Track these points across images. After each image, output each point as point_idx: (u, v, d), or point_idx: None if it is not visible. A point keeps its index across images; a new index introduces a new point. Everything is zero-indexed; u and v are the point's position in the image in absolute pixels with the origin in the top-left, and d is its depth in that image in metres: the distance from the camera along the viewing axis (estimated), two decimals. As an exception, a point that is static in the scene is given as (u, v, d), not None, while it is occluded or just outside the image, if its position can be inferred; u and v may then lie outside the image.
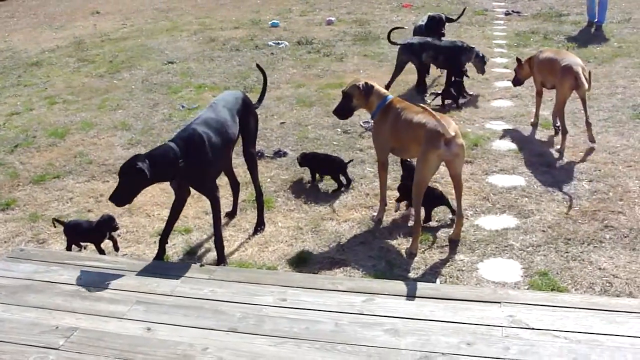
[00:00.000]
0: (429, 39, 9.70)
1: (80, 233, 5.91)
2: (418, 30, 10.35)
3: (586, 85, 7.17)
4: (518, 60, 8.70)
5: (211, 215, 5.52)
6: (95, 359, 3.63)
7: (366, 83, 6.05)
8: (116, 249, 5.91)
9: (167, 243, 5.68)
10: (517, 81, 8.83)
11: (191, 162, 5.17)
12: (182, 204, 5.65)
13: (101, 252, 5.84)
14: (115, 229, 5.89)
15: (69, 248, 5.92)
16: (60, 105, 10.75)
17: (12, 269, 5.10)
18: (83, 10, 21.39)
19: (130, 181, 5.03)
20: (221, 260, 5.49)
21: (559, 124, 7.68)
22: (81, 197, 7.11)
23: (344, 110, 6.20)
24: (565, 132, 7.49)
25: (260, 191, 6.17)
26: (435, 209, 6.11)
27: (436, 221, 6.06)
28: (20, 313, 4.29)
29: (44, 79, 12.67)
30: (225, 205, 6.59)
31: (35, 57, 14.64)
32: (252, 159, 6.09)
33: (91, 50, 14.88)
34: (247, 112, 5.96)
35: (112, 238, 5.90)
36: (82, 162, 8.14)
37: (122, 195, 5.11)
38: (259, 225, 6.14)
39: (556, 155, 7.44)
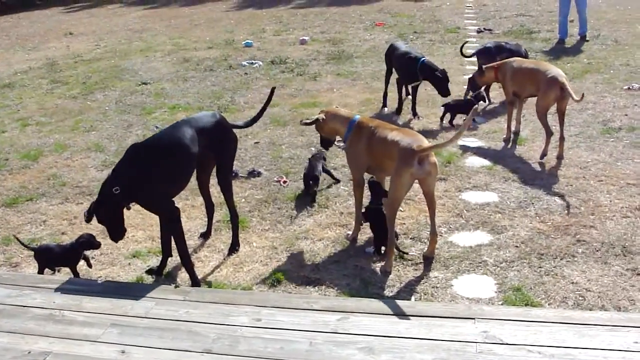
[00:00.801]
0: (502, 43, 10.54)
1: (54, 257, 5.84)
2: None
3: (575, 97, 7.28)
4: (479, 67, 8.86)
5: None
6: (68, 384, 3.62)
7: (322, 117, 6.19)
8: (89, 265, 5.90)
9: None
10: (474, 87, 9.04)
11: (131, 185, 5.21)
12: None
13: (76, 274, 5.80)
14: (97, 246, 5.84)
15: (40, 272, 5.87)
16: (33, 127, 10.69)
17: (-16, 294, 5.06)
18: (56, 31, 21.34)
19: (103, 220, 5.39)
20: (194, 281, 5.49)
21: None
22: (55, 220, 7.06)
23: (323, 142, 6.53)
24: (549, 134, 7.62)
25: (235, 212, 6.15)
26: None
27: (410, 238, 6.09)
28: (-8, 338, 4.26)
29: (16, 101, 12.60)
30: (200, 225, 6.60)
31: (8, 79, 14.56)
32: (224, 183, 6.01)
33: (64, 72, 14.83)
34: (219, 134, 5.82)
35: (85, 257, 5.87)
36: (55, 184, 8.10)
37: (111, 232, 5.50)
38: (234, 246, 6.12)
39: (536, 165, 7.58)
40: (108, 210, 5.31)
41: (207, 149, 5.71)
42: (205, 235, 6.40)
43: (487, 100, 9.85)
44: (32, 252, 5.97)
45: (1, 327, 4.40)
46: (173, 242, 5.62)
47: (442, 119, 9.23)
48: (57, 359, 3.88)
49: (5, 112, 11.80)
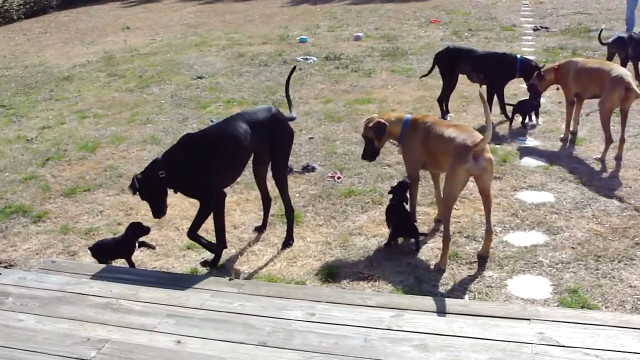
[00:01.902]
0: (633, 34, 10.56)
1: (109, 251, 5.94)
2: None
3: None
4: (539, 72, 8.62)
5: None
6: (126, 371, 3.67)
7: (378, 123, 6.11)
8: (152, 247, 6.12)
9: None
10: (536, 93, 8.82)
11: (177, 172, 5.44)
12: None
13: (132, 264, 5.89)
14: (147, 231, 5.95)
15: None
16: (91, 119, 10.88)
17: (44, 281, 5.15)
18: (114, 25, 21.66)
19: (146, 198, 5.66)
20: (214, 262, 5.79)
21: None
22: (111, 210, 7.17)
23: (370, 153, 6.34)
24: (609, 141, 7.49)
25: (290, 206, 6.16)
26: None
27: (465, 237, 6.04)
28: (52, 324, 4.33)
29: (75, 93, 12.84)
30: (255, 219, 6.64)
31: (67, 72, 14.85)
32: (279, 177, 6.01)
33: (121, 65, 15.06)
34: (274, 128, 5.87)
35: (143, 244, 6.01)
36: (112, 175, 8.23)
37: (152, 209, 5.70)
38: (288, 240, 6.15)
39: (594, 166, 7.45)
40: (153, 190, 5.57)
41: (262, 143, 5.79)
42: (260, 229, 6.44)
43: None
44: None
45: (61, 314, 4.47)
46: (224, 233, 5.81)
47: (511, 119, 9.08)
48: (116, 347, 3.92)
49: (64, 105, 12.03)
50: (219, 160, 5.50)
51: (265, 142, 5.81)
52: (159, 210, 5.73)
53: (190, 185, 5.57)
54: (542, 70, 8.58)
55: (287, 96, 6.54)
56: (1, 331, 4.21)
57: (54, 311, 4.54)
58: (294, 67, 6.93)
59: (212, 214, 5.70)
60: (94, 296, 4.79)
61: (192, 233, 5.74)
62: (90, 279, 5.32)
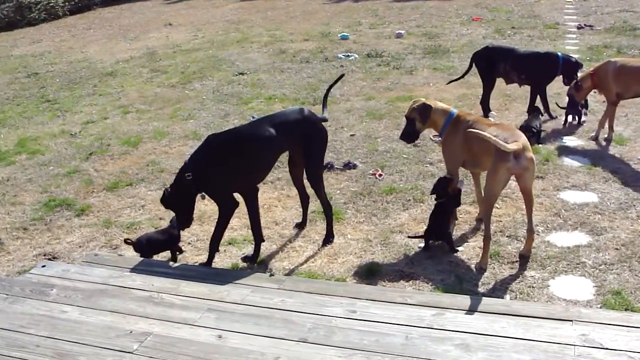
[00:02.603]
0: None
1: (155, 244, 6.00)
2: None
3: None
4: (576, 82, 8.42)
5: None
6: (168, 364, 3.69)
7: (423, 104, 6.06)
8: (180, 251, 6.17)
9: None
10: (574, 104, 8.64)
11: (201, 172, 5.51)
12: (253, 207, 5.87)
13: (175, 258, 5.98)
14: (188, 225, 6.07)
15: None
16: (134, 115, 11.00)
17: (87, 273, 5.22)
18: (156, 22, 21.84)
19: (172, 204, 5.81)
20: (207, 263, 5.78)
21: None
22: (153, 205, 7.23)
23: (409, 134, 6.30)
24: None
25: (328, 204, 6.15)
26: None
27: (507, 236, 5.98)
28: (95, 316, 4.38)
29: (118, 89, 12.98)
30: (295, 215, 6.64)
31: (110, 68, 15.01)
32: (313, 177, 6.00)
33: (164, 61, 15.18)
34: (306, 130, 5.83)
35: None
36: (154, 170, 8.30)
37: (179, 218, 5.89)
38: (329, 237, 6.14)
39: (636, 167, 7.33)
40: (180, 195, 5.65)
41: (294, 145, 5.82)
42: (301, 226, 6.45)
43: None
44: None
45: (104, 306, 4.52)
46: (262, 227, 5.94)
47: (566, 120, 8.95)
48: (158, 340, 3.95)
49: (108, 100, 12.17)
50: (241, 161, 5.53)
51: (298, 144, 5.83)
52: (184, 220, 5.85)
53: (214, 186, 5.62)
54: (578, 80, 8.38)
55: (325, 98, 6.57)
56: (46, 322, 4.27)
57: (97, 304, 4.60)
58: (342, 75, 6.99)
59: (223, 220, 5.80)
60: (136, 289, 4.84)
61: (215, 244, 5.84)
62: (132, 272, 5.38)
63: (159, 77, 13.71)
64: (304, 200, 6.44)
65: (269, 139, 5.59)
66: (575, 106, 8.69)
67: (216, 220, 5.78)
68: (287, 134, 5.69)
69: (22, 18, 23.46)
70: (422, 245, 5.91)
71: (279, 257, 5.95)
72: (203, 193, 5.67)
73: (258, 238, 5.88)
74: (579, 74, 8.52)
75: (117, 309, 4.49)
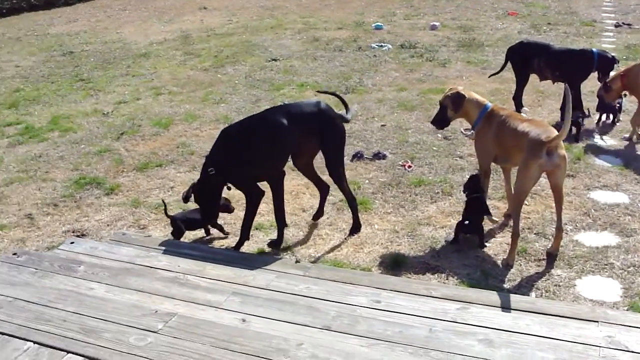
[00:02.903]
0: None
1: (194, 221, 6.13)
2: None
3: None
4: (605, 83, 8.30)
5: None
6: (192, 345, 3.68)
7: (457, 92, 6.02)
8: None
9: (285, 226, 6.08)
10: (603, 105, 8.54)
11: (221, 165, 5.60)
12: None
13: (208, 232, 6.20)
14: (231, 211, 6.25)
15: (178, 238, 6.09)
16: (166, 96, 11.05)
17: (115, 252, 5.27)
18: (191, 5, 21.88)
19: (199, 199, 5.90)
20: (236, 247, 5.87)
21: None
22: (182, 187, 7.24)
23: (440, 120, 6.28)
24: None
25: (351, 196, 6.12)
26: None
27: (534, 234, 5.93)
28: (122, 295, 4.40)
29: (151, 70, 13.05)
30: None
31: (144, 49, 15.09)
32: (333, 172, 5.96)
33: (197, 45, 15.22)
34: (319, 124, 5.76)
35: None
36: (184, 152, 8.34)
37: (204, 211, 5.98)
38: (356, 228, 6.12)
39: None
40: (206, 190, 5.76)
41: (307, 136, 5.74)
42: (316, 217, 6.38)
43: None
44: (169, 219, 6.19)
45: (131, 285, 4.55)
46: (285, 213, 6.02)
47: (599, 119, 8.85)
48: (182, 321, 3.97)
49: (141, 81, 12.24)
50: (255, 150, 5.57)
51: (310, 136, 5.75)
52: (209, 214, 5.97)
53: (236, 176, 5.69)
54: (607, 82, 8.25)
55: (341, 99, 6.36)
56: (73, 298, 4.30)
57: (124, 282, 4.62)
58: (336, 94, 6.70)
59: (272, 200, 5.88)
60: (162, 270, 4.87)
61: (245, 233, 5.90)
62: (159, 252, 5.41)
63: (192, 60, 13.75)
64: (322, 190, 6.36)
65: (281, 128, 5.56)
66: (607, 106, 8.59)
67: (244, 205, 5.81)
68: (300, 125, 5.64)
69: (59, -3, 23.65)
70: (452, 237, 5.88)
71: (305, 244, 5.95)
72: (229, 184, 5.76)
73: (281, 223, 5.91)
74: (611, 74, 8.41)
75: (143, 288, 4.51)
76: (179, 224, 6.04)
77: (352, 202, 6.12)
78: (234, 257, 5.41)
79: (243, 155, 5.56)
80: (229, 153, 5.61)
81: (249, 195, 5.78)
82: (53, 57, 14.91)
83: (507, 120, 5.63)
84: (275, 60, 13.12)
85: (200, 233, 6.29)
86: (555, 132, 5.25)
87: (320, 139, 5.79)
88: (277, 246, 5.86)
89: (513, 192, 5.63)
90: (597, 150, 7.83)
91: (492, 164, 6.05)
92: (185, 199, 5.99)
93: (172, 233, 6.07)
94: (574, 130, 8.06)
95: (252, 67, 12.70)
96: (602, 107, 8.67)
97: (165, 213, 6.16)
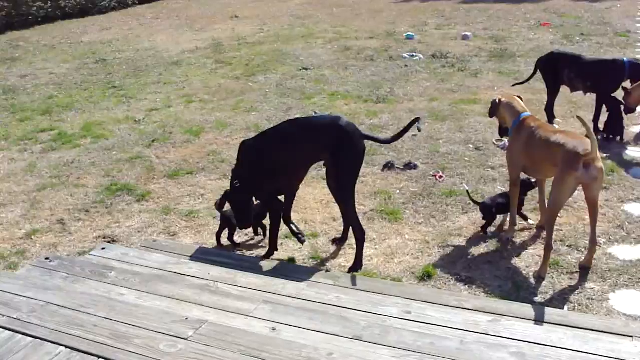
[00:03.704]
0: None
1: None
2: None
3: None
4: (625, 88, 8.21)
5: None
6: (222, 353, 3.67)
7: (496, 99, 6.06)
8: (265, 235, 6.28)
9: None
10: (628, 110, 8.41)
11: (245, 178, 5.65)
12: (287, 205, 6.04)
13: (256, 232, 6.33)
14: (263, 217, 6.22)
15: (231, 238, 6.19)
16: (197, 104, 11.10)
17: (146, 258, 5.29)
18: (222, 14, 22.01)
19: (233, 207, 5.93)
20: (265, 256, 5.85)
21: None
22: (212, 194, 7.27)
23: (501, 130, 6.37)
24: None
25: (359, 228, 5.64)
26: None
27: (567, 246, 5.86)
28: (152, 301, 4.41)
29: (182, 78, 13.13)
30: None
31: (176, 57, 15.19)
32: (338, 194, 5.63)
33: (228, 53, 15.29)
34: (336, 140, 5.43)
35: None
36: (214, 160, 8.37)
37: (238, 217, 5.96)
38: (356, 265, 5.60)
39: None
40: (236, 200, 5.80)
41: (324, 152, 5.55)
42: (340, 240, 6.12)
43: None
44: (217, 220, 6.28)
45: (161, 292, 4.56)
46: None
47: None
48: (212, 328, 3.96)
49: (172, 89, 12.31)
50: (272, 164, 5.57)
51: (326, 153, 5.51)
52: (243, 220, 5.94)
53: (255, 189, 5.75)
54: (629, 89, 8.12)
55: (403, 132, 5.90)
56: (104, 303, 4.32)
57: (154, 288, 4.64)
58: (417, 118, 5.94)
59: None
60: (193, 277, 4.88)
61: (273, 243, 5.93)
62: (189, 260, 5.44)
63: (223, 68, 13.82)
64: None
65: (298, 143, 5.51)
66: (629, 112, 8.45)
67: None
68: (316, 141, 5.49)
69: (93, 6, 23.87)
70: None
71: (335, 253, 5.93)
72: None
73: (271, 247, 5.94)
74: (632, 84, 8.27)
75: (173, 295, 4.52)
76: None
77: (358, 235, 5.63)
78: (265, 266, 5.42)
79: (261, 168, 5.59)
80: (247, 166, 5.68)
81: (268, 207, 5.85)
82: (86, 65, 15.05)
83: (538, 132, 5.58)
84: (306, 69, 13.15)
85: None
86: (590, 143, 5.18)
87: (335, 154, 5.46)
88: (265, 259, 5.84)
89: (547, 204, 5.57)
90: (632, 162, 7.74)
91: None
92: (219, 207, 6.01)
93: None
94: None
95: (283, 75, 12.74)
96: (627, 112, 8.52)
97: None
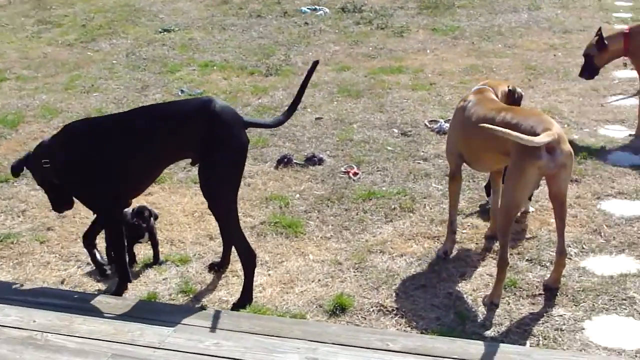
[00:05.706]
0: None
1: None
2: None
3: None
4: (601, 38, 8.14)
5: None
6: None
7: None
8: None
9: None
10: (590, 69, 8.45)
11: (61, 163, 5.57)
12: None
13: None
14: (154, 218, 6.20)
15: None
16: (12, 83, 10.96)
17: None
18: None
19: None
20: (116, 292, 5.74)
21: None
22: (38, 211, 7.13)
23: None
24: None
25: (246, 249, 5.61)
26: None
27: (526, 260, 6.02)
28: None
29: (-12, 46, 12.92)
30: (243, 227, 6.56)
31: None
32: (215, 204, 5.63)
33: (56, 10, 15.12)
34: (207, 131, 5.41)
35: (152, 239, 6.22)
36: (41, 162, 8.23)
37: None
38: (243, 298, 5.61)
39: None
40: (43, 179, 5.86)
41: (191, 151, 5.58)
42: (219, 265, 6.15)
43: None
44: None
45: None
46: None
47: None
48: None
49: (-28, 62, 12.10)
50: (107, 162, 5.48)
51: (196, 150, 5.53)
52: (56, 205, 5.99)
53: (77, 191, 5.74)
54: (605, 38, 8.14)
55: (297, 98, 6.06)
56: None
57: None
58: (316, 62, 6.02)
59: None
60: (11, 327, 4.79)
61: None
62: (7, 304, 5.30)
63: (49, 31, 13.66)
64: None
65: (145, 136, 5.46)
66: (592, 71, 8.51)
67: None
68: (178, 134, 5.46)
69: None
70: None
71: (213, 284, 5.93)
72: None
73: (122, 277, 5.83)
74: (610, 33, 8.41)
75: (-21, 356, 4.45)
76: None
77: (245, 258, 5.61)
78: (115, 306, 5.35)
79: (88, 164, 5.50)
80: (69, 156, 5.58)
81: (105, 222, 5.81)
82: None
83: (474, 109, 5.66)
84: (168, 31, 13.16)
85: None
86: (554, 123, 5.26)
87: (203, 149, 5.45)
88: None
89: (500, 206, 5.66)
90: (610, 145, 8.03)
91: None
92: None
93: None
94: None
95: (136, 40, 12.70)
96: (585, 71, 8.57)
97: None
